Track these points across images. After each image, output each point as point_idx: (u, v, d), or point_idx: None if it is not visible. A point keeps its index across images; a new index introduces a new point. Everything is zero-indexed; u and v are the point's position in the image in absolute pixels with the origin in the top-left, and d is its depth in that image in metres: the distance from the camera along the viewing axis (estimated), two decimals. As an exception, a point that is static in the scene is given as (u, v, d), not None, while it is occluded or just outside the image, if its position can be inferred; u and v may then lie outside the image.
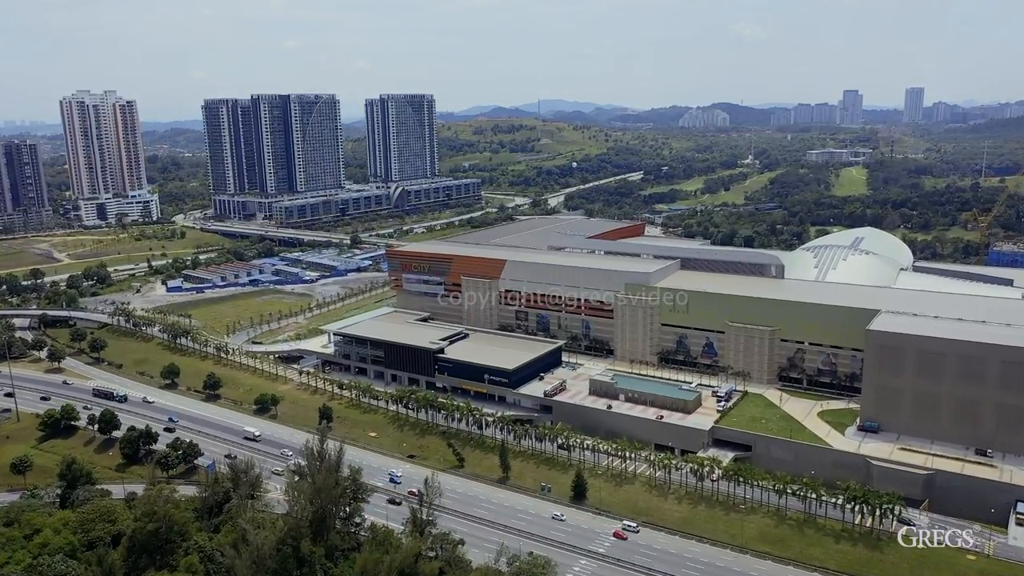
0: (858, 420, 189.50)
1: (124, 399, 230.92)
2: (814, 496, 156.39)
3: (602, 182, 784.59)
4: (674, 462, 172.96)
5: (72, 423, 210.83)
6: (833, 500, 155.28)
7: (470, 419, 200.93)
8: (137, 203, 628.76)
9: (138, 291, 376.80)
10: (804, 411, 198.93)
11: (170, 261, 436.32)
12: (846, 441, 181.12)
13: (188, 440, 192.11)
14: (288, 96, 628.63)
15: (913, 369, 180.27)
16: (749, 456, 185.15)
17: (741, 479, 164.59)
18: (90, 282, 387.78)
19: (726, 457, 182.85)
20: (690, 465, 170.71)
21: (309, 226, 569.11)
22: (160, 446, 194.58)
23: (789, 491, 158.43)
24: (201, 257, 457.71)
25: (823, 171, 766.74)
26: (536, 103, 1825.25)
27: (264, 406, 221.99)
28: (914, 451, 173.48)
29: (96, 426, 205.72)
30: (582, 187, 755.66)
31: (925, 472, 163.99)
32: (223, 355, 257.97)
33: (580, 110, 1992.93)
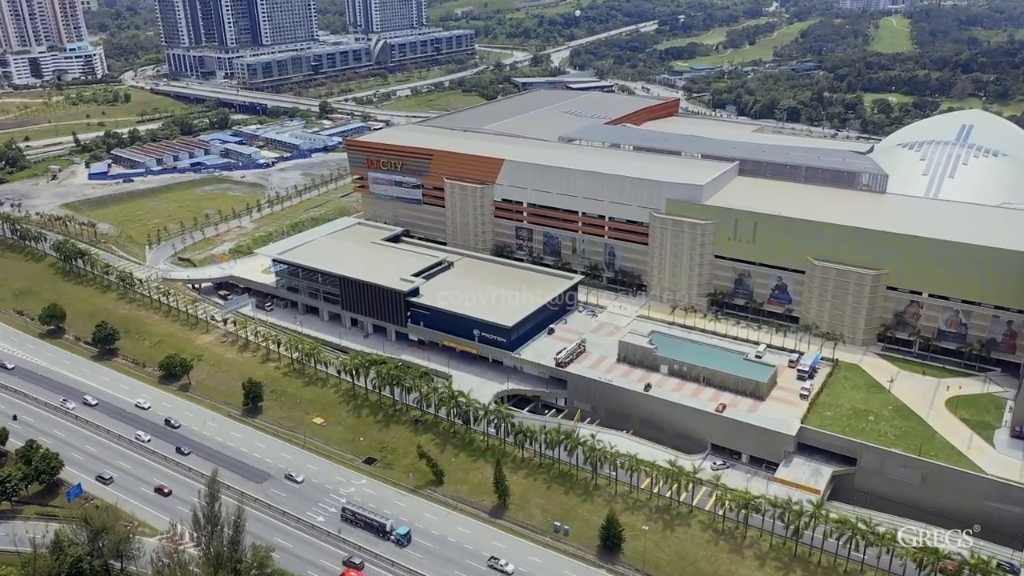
0: (1010, 421, 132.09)
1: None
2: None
3: (611, 33, 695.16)
4: (754, 502, 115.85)
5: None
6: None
7: (453, 409, 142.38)
8: (77, 58, 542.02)
9: (54, 177, 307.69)
10: (925, 396, 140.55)
11: (102, 134, 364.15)
12: (1001, 459, 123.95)
13: (46, 448, 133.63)
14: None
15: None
16: (852, 472, 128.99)
17: (860, 539, 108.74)
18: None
19: (820, 476, 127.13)
20: (778, 509, 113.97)
21: (276, 87, 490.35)
22: (14, 447, 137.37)
23: (940, 572, 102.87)
24: (141, 129, 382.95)
25: (859, 21, 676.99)
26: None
27: (172, 372, 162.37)
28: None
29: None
30: (589, 39, 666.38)
31: None
32: (129, 286, 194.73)
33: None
